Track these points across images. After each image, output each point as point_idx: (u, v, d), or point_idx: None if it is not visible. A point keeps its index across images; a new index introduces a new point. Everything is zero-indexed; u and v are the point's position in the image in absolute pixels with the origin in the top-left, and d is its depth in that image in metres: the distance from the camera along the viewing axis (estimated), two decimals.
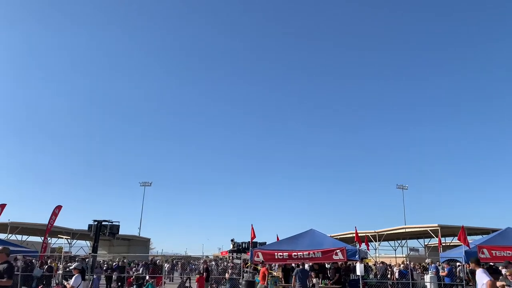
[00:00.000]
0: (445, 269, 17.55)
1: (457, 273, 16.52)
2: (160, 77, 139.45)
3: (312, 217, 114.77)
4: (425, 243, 53.18)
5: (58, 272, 21.92)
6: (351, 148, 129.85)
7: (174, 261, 44.19)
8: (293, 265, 18.40)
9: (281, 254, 16.61)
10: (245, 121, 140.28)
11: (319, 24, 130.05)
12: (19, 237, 47.46)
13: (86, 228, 22.86)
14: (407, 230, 44.30)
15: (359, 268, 15.88)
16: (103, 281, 23.58)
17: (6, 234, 42.52)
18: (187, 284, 23.76)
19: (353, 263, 19.50)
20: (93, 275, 19.58)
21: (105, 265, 26.16)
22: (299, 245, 17.03)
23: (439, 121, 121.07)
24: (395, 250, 55.78)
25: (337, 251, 15.94)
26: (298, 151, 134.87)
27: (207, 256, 55.56)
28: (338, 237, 40.40)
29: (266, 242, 28.44)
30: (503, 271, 14.32)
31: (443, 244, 34.83)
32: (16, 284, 20.21)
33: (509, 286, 9.04)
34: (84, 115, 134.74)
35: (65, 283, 11.56)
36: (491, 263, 15.66)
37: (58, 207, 28.36)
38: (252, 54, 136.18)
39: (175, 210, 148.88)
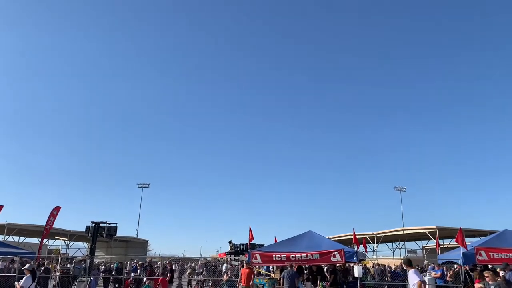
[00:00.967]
0: (437, 271, 17.60)
1: (452, 275, 16.48)
2: (158, 78, 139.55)
3: (310, 219, 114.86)
4: (423, 245, 53.22)
5: (55, 274, 21.81)
6: (350, 150, 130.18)
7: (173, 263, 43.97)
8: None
9: (279, 256, 16.58)
10: (244, 123, 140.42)
11: (321, 28, 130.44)
12: (16, 238, 47.30)
13: (83, 229, 22.83)
14: (405, 232, 44.31)
15: (357, 270, 15.88)
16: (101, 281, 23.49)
17: (3, 236, 42.38)
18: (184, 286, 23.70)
19: (350, 265, 19.48)
20: (90, 277, 19.53)
21: (103, 267, 26.07)
22: (297, 247, 17.00)
23: (437, 123, 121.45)
24: (393, 252, 55.86)
25: (335, 253, 15.94)
26: (297, 153, 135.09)
27: (204, 258, 55.41)
28: (336, 239, 40.38)
29: (264, 244, 28.39)
30: (501, 273, 14.35)
31: (441, 246, 34.85)
32: (13, 285, 20.14)
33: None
34: (82, 116, 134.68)
35: (16, 284, 11.42)
36: (488, 265, 15.72)
37: (57, 208, 28.22)
38: (249, 55, 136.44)
39: (173, 212, 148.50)
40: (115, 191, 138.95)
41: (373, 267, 27.55)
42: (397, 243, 55.54)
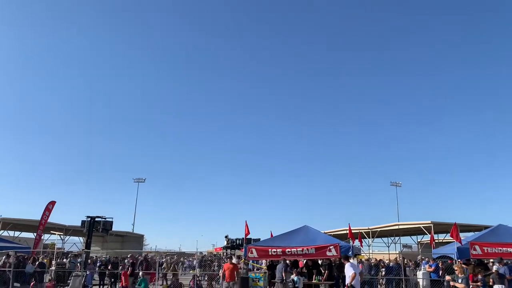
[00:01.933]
0: (432, 265, 17.72)
1: (444, 270, 16.60)
2: (152, 73, 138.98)
3: (306, 214, 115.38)
4: (418, 240, 53.49)
5: (51, 268, 21.77)
6: (346, 145, 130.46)
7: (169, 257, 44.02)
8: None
9: (274, 250, 16.67)
10: (239, 118, 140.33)
11: (318, 24, 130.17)
12: (11, 233, 47.10)
13: (79, 224, 22.76)
14: (401, 227, 44.50)
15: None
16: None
17: None
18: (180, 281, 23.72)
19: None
20: (86, 271, 19.51)
21: (99, 262, 26.03)
22: (292, 241, 17.08)
23: (433, 118, 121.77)
24: (388, 247, 56.10)
25: (331, 247, 16.04)
26: (293, 148, 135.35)
27: (200, 253, 55.52)
28: (332, 233, 40.49)
29: (260, 239, 28.49)
30: (494, 267, 14.49)
31: (436, 241, 35.04)
32: (8, 280, 20.09)
33: (454, 281, 9.53)
34: (78, 111, 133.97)
35: None
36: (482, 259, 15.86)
37: (52, 203, 28.17)
38: (245, 52, 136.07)
39: (169, 207, 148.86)
40: (111, 186, 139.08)
41: (368, 261, 27.65)
42: (392, 238, 55.84)
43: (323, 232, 22.34)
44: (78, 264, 20.62)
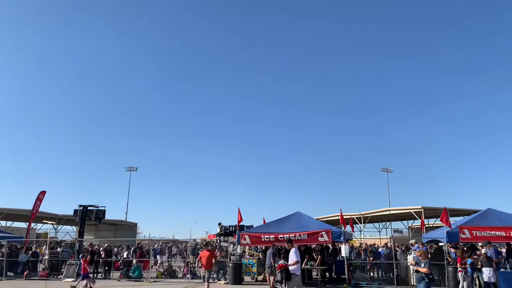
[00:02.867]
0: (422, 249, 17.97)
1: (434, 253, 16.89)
2: (145, 64, 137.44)
3: (298, 200, 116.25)
4: (409, 225, 54.25)
5: (44, 258, 21.77)
6: (337, 132, 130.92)
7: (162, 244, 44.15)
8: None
9: (267, 236, 16.84)
10: (233, 106, 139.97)
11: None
12: (3, 223, 46.88)
13: (72, 213, 22.72)
14: (391, 212, 45.02)
15: (344, 250, 16.22)
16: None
17: None
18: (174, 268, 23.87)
19: (339, 245, 19.84)
20: (79, 260, 19.52)
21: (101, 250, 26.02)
22: (285, 227, 17.26)
23: (422, 105, 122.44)
24: (380, 232, 56.88)
25: (323, 233, 16.26)
26: (285, 135, 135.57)
27: (194, 240, 55.79)
28: (324, 219, 40.86)
29: (253, 225, 28.65)
30: (483, 250, 14.80)
31: (426, 226, 35.59)
32: (2, 269, 20.08)
33: (417, 264, 9.80)
34: (70, 99, 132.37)
35: None
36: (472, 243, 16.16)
37: (42, 193, 28.02)
38: (233, 42, 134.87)
39: (162, 195, 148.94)
40: (103, 175, 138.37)
41: (360, 246, 28.06)
42: (383, 223, 56.56)
43: (315, 218, 22.56)
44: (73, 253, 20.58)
